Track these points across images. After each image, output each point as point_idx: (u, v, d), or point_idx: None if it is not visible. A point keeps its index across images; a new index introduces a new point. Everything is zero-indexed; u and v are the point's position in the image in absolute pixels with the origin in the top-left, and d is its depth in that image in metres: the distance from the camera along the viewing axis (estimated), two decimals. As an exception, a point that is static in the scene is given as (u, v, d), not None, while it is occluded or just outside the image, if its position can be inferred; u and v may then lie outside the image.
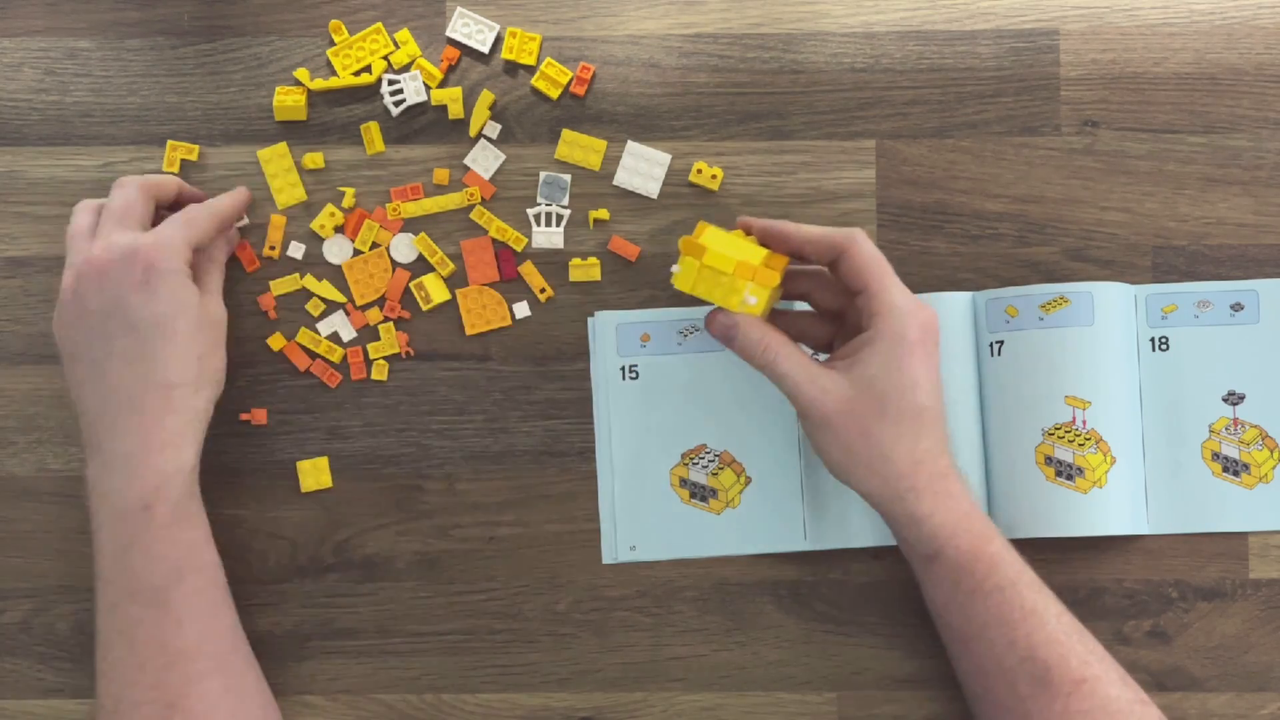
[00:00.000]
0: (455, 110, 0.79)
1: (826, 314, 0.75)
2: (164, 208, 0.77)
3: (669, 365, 0.78)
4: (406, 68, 0.80)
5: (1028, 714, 0.68)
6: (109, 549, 0.71)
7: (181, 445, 0.71)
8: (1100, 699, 0.68)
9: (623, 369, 0.79)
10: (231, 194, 0.78)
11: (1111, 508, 0.76)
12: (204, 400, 0.73)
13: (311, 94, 0.80)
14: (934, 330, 0.70)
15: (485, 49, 0.80)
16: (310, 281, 0.79)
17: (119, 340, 0.70)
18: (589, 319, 0.79)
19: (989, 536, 0.70)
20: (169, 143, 0.80)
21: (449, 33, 0.80)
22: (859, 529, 0.77)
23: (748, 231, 0.73)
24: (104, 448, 0.71)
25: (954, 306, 0.77)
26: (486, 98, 0.79)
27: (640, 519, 0.79)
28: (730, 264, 0.69)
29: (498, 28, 0.80)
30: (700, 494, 0.78)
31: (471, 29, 0.80)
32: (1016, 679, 0.68)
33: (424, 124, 0.80)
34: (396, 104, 0.80)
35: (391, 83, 0.80)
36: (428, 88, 0.80)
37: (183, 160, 0.80)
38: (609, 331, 0.79)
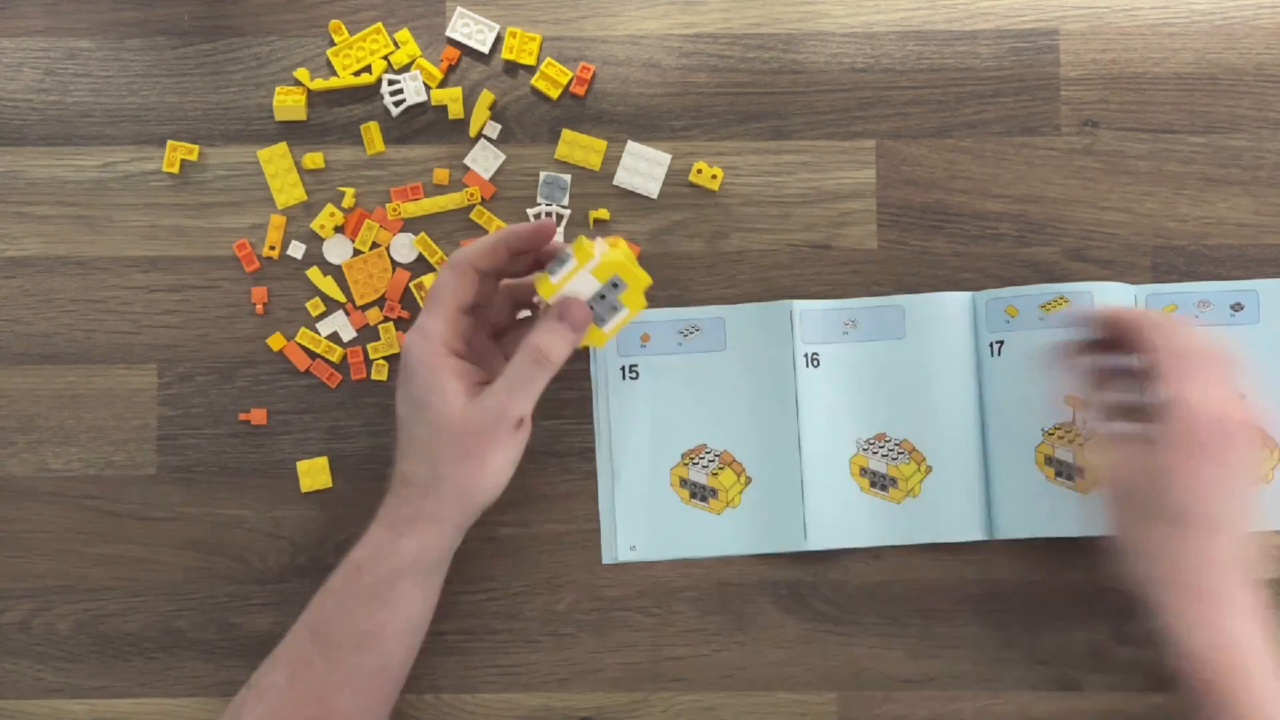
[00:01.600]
0: (455, 110, 0.79)
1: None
2: (513, 260, 0.71)
3: (669, 365, 0.78)
4: (406, 68, 0.80)
5: None
6: (327, 584, 0.72)
7: (402, 535, 0.70)
8: None
9: (623, 369, 0.79)
10: (501, 231, 0.71)
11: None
12: (437, 506, 0.70)
13: (311, 94, 0.80)
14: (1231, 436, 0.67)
15: (485, 49, 0.80)
16: (314, 274, 0.80)
17: (396, 420, 0.71)
18: (589, 319, 0.79)
19: (1241, 668, 0.65)
20: (169, 143, 0.80)
21: (449, 33, 0.80)
22: (859, 529, 0.77)
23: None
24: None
25: (954, 306, 0.77)
26: (486, 98, 0.79)
27: (640, 519, 0.79)
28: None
29: (498, 28, 0.80)
30: (700, 494, 0.78)
31: (471, 29, 0.80)
32: None
33: (424, 124, 0.80)
34: (396, 104, 0.80)
35: (391, 83, 0.80)
36: (428, 88, 0.80)
37: (183, 160, 0.80)
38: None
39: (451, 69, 0.80)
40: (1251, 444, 0.67)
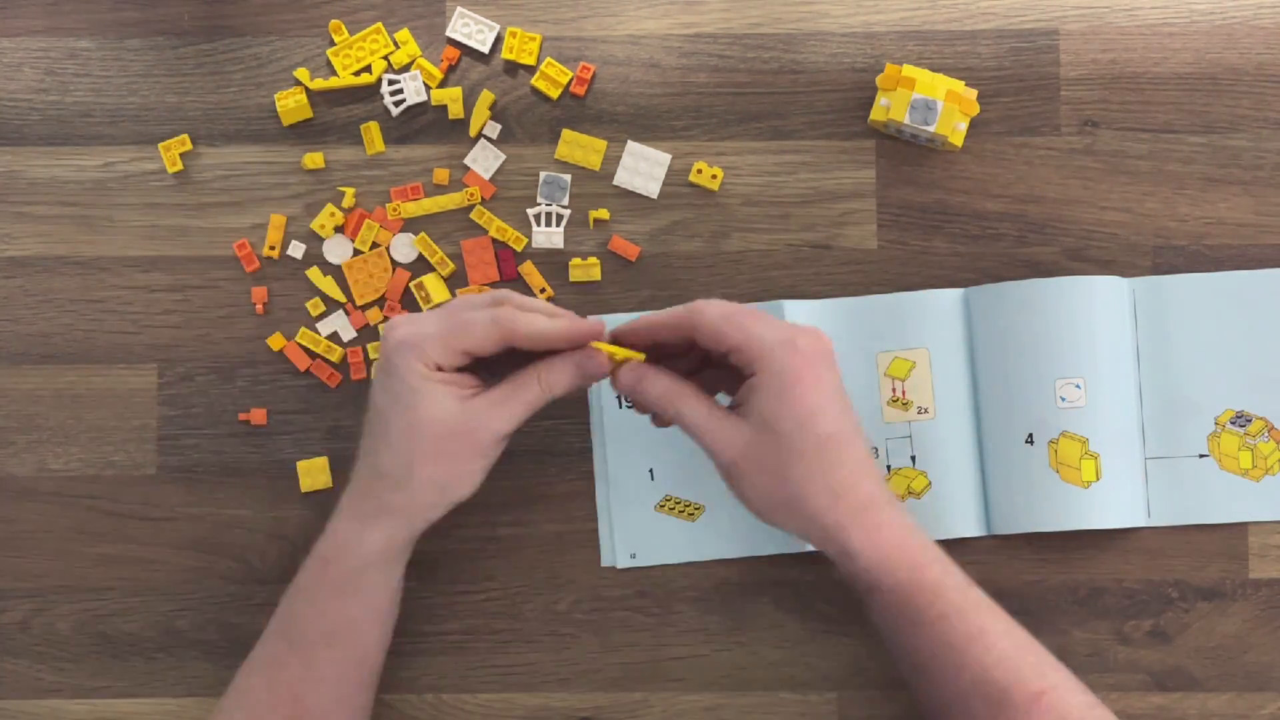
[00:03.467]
0: (455, 110, 0.79)
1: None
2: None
3: None
4: (406, 68, 0.80)
5: None
6: (294, 584, 0.72)
7: (367, 528, 0.70)
8: (1060, 710, 0.67)
9: (619, 397, 0.78)
10: (562, 323, 0.69)
11: (1110, 501, 0.76)
12: (403, 500, 0.70)
13: (311, 94, 0.80)
14: (822, 353, 0.68)
15: (485, 49, 0.80)
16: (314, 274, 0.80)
17: (367, 410, 0.71)
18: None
19: (925, 563, 0.69)
20: (159, 145, 0.80)
21: (449, 33, 0.80)
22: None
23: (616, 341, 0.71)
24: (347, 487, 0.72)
25: (946, 302, 0.77)
26: (487, 98, 0.79)
27: (639, 527, 0.79)
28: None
29: (498, 28, 0.80)
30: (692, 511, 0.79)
31: (471, 29, 0.80)
32: (972, 702, 0.67)
33: (424, 124, 0.80)
34: (396, 104, 0.80)
35: (391, 83, 0.80)
36: (428, 88, 0.80)
37: (182, 155, 0.80)
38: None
39: (451, 69, 0.80)
40: (830, 350, 0.69)
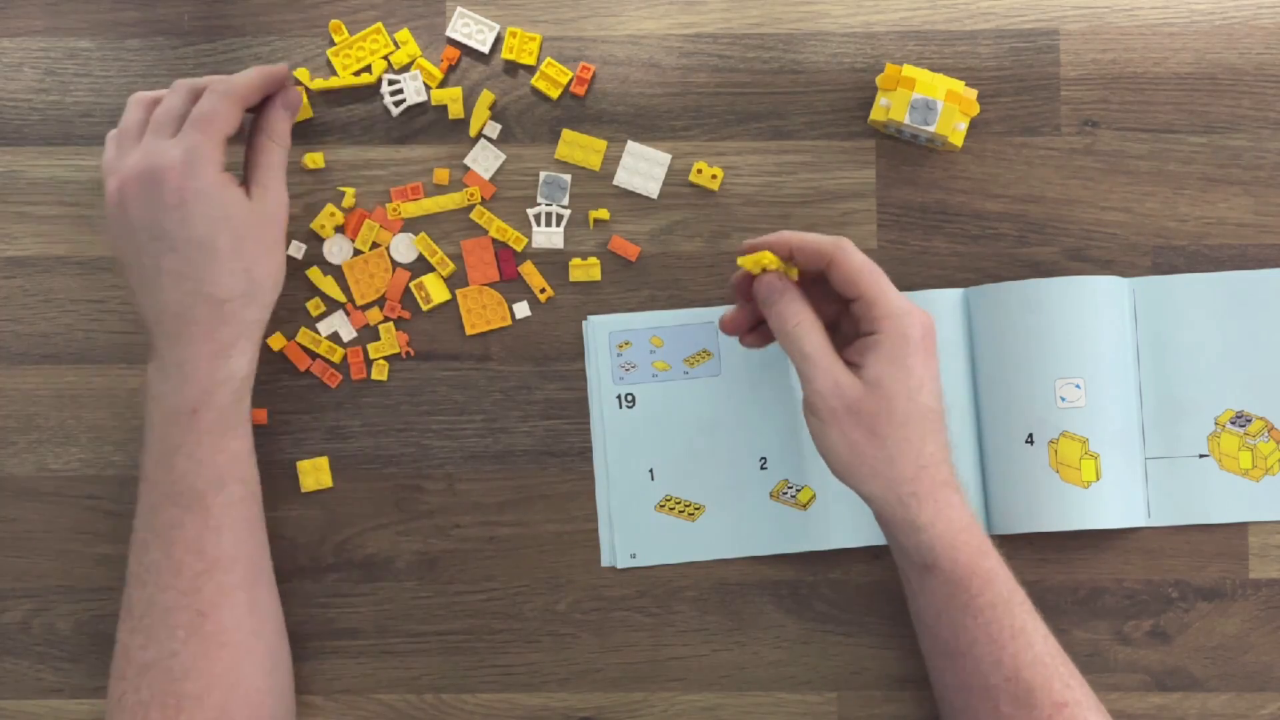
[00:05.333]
0: (455, 110, 0.79)
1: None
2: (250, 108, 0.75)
3: (665, 391, 0.78)
4: (406, 68, 0.80)
5: None
6: (155, 451, 0.71)
7: (232, 354, 0.71)
8: None
9: (619, 397, 0.78)
10: (255, 70, 0.74)
11: (1110, 501, 0.76)
12: (257, 310, 0.72)
13: (311, 94, 0.80)
14: (933, 333, 0.70)
15: (485, 49, 0.80)
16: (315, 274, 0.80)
17: (165, 258, 0.70)
18: (583, 323, 0.79)
19: (985, 551, 0.70)
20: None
21: (449, 32, 0.80)
22: (859, 529, 0.77)
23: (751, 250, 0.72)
24: (160, 352, 0.71)
25: (946, 302, 0.77)
26: (487, 98, 0.79)
27: (639, 528, 0.79)
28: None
29: (498, 28, 0.80)
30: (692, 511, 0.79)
31: (471, 29, 0.80)
32: (1000, 698, 0.68)
33: (424, 124, 0.80)
34: (397, 104, 0.80)
35: (391, 83, 0.80)
36: (428, 88, 0.80)
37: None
38: (602, 347, 0.78)
39: (451, 69, 0.80)
40: (936, 337, 0.70)
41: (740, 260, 0.71)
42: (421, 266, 0.80)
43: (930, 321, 0.70)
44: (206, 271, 0.70)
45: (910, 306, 0.69)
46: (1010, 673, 0.68)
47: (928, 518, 0.69)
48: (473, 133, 0.80)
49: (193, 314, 0.70)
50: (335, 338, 0.80)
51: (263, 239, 0.72)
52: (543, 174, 0.80)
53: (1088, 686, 0.70)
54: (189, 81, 0.73)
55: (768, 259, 0.70)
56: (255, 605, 0.73)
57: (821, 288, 0.72)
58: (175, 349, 0.71)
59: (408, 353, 0.80)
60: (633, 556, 0.79)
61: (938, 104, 0.76)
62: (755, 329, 0.74)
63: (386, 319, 0.80)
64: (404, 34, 0.80)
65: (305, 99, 0.79)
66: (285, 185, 0.74)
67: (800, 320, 0.70)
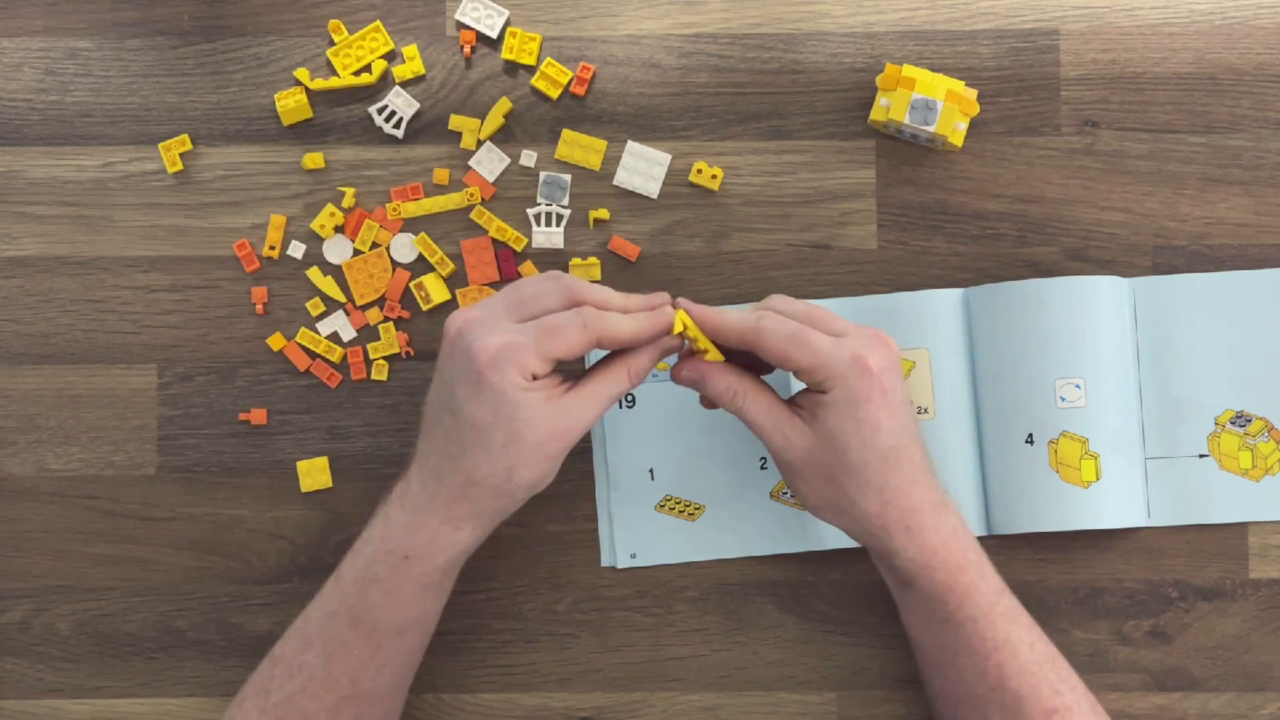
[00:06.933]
0: (469, 141, 0.79)
1: None
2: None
3: (665, 391, 0.78)
4: (411, 81, 0.80)
5: None
6: (362, 569, 0.70)
7: (461, 529, 0.70)
8: None
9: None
10: (640, 321, 0.69)
11: (1110, 501, 0.76)
12: (503, 504, 0.70)
13: (311, 94, 0.80)
14: (890, 367, 0.69)
15: (494, 34, 0.80)
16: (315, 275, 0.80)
17: (448, 416, 0.69)
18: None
19: (963, 567, 0.70)
20: (160, 145, 0.80)
21: (458, 15, 0.80)
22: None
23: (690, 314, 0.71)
24: (413, 480, 0.70)
25: (946, 302, 0.77)
26: (504, 105, 0.79)
27: (639, 527, 0.79)
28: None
29: (507, 14, 0.80)
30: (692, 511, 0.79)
31: (480, 14, 0.80)
32: (988, 708, 0.69)
33: (424, 124, 0.80)
34: (394, 125, 0.80)
35: (381, 110, 0.79)
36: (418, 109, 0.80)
37: (182, 156, 0.80)
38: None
39: (467, 63, 0.80)
40: (898, 359, 0.70)
41: (679, 328, 0.69)
42: (421, 266, 0.80)
43: (886, 354, 0.69)
44: (470, 451, 0.68)
45: (854, 354, 0.68)
46: (996, 683, 0.69)
47: (899, 544, 0.69)
48: (482, 135, 0.80)
49: (446, 474, 0.69)
50: (335, 338, 0.80)
51: (540, 448, 0.68)
52: (543, 174, 0.80)
53: (1083, 689, 0.70)
54: (577, 285, 0.69)
55: (680, 323, 0.68)
56: None
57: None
58: (423, 489, 0.70)
59: (408, 353, 0.80)
60: (633, 556, 0.79)
61: (938, 104, 0.76)
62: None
63: (386, 319, 0.80)
64: (411, 49, 0.80)
65: (306, 99, 0.79)
66: (601, 412, 0.69)
67: (735, 391, 0.70)
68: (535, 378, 0.67)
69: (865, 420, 0.68)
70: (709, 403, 0.72)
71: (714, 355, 0.70)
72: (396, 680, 0.73)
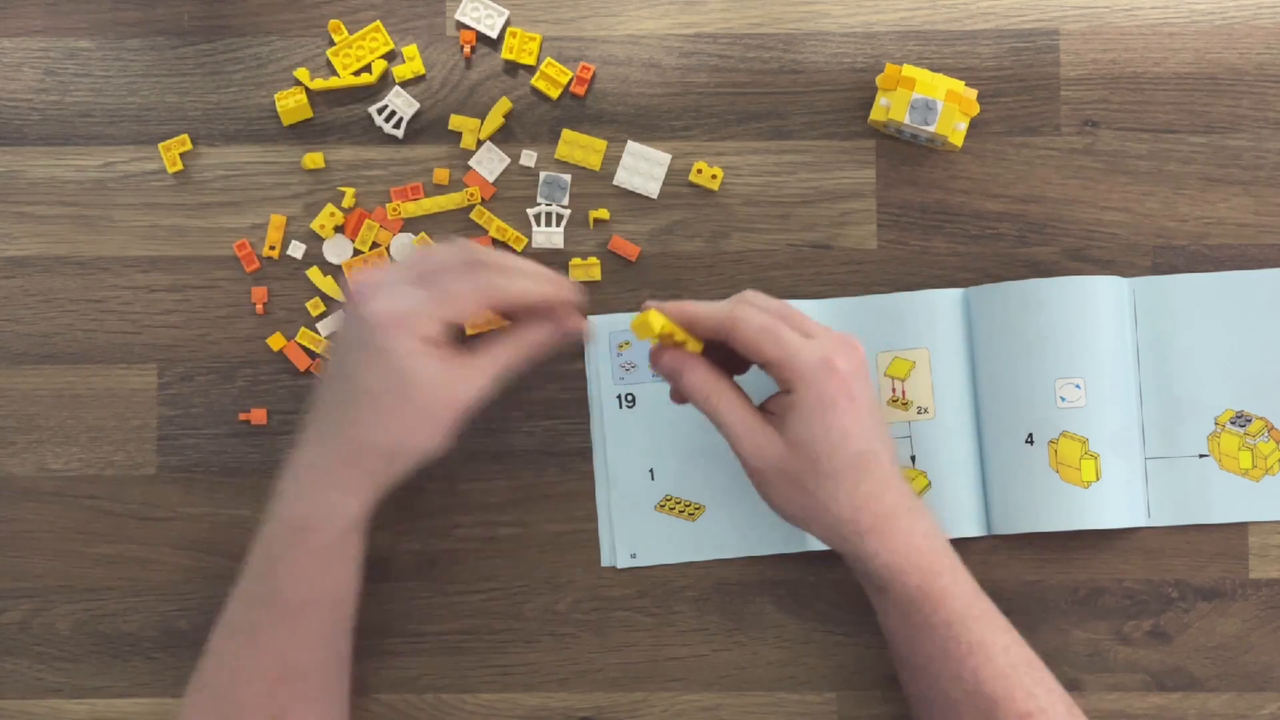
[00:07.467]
0: (469, 141, 0.79)
1: None
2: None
3: (665, 391, 0.78)
4: (411, 81, 0.80)
5: None
6: (264, 548, 0.71)
7: (352, 495, 0.70)
8: None
9: (619, 397, 0.78)
10: (539, 283, 0.70)
11: (1110, 501, 0.76)
12: (393, 470, 0.70)
13: (311, 94, 0.80)
14: (857, 371, 0.69)
15: (494, 34, 0.80)
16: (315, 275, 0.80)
17: (339, 381, 0.69)
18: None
19: (937, 571, 0.70)
20: (160, 145, 0.80)
21: (458, 15, 0.80)
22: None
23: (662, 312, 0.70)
24: (301, 452, 0.71)
25: (946, 302, 0.77)
26: (504, 105, 0.79)
27: (639, 527, 0.79)
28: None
29: (507, 14, 0.80)
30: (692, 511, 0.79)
31: (480, 13, 0.80)
32: (963, 711, 0.69)
33: (424, 124, 0.80)
34: (395, 125, 0.80)
35: (381, 110, 0.79)
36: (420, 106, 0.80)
37: (182, 156, 0.80)
38: (602, 347, 0.78)
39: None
40: (865, 365, 0.70)
41: (631, 325, 0.68)
42: (421, 266, 0.80)
43: (850, 360, 0.68)
44: (361, 415, 0.68)
45: (824, 353, 0.68)
46: (971, 687, 0.68)
47: (871, 550, 0.69)
48: (482, 136, 0.80)
49: (336, 439, 0.69)
50: (335, 338, 0.80)
51: (429, 413, 0.68)
52: (543, 174, 0.80)
53: (1059, 691, 0.70)
54: (478, 250, 0.69)
55: (658, 323, 0.68)
56: (325, 716, 0.73)
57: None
58: (311, 457, 0.70)
59: (408, 353, 0.79)
60: (633, 556, 0.79)
61: (938, 104, 0.76)
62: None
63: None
64: (411, 49, 0.80)
65: (306, 100, 0.79)
66: (494, 383, 0.69)
67: (709, 392, 0.69)
68: (432, 343, 0.67)
69: (834, 426, 0.68)
70: (679, 396, 0.72)
71: (693, 345, 0.70)
72: (327, 655, 0.72)
